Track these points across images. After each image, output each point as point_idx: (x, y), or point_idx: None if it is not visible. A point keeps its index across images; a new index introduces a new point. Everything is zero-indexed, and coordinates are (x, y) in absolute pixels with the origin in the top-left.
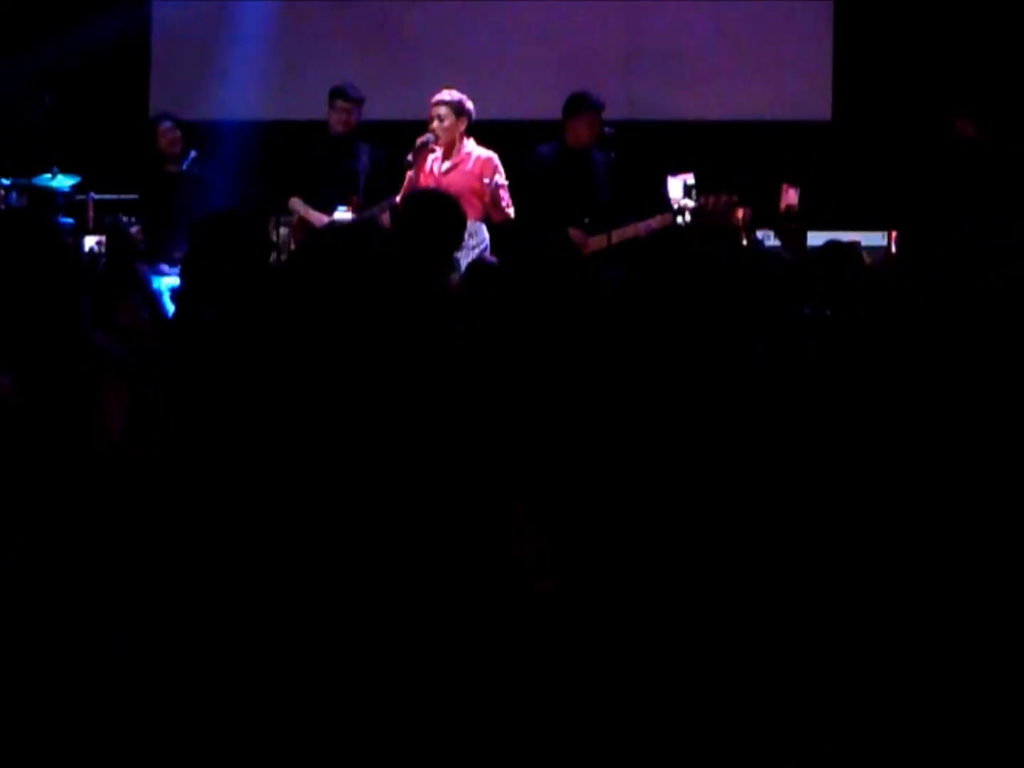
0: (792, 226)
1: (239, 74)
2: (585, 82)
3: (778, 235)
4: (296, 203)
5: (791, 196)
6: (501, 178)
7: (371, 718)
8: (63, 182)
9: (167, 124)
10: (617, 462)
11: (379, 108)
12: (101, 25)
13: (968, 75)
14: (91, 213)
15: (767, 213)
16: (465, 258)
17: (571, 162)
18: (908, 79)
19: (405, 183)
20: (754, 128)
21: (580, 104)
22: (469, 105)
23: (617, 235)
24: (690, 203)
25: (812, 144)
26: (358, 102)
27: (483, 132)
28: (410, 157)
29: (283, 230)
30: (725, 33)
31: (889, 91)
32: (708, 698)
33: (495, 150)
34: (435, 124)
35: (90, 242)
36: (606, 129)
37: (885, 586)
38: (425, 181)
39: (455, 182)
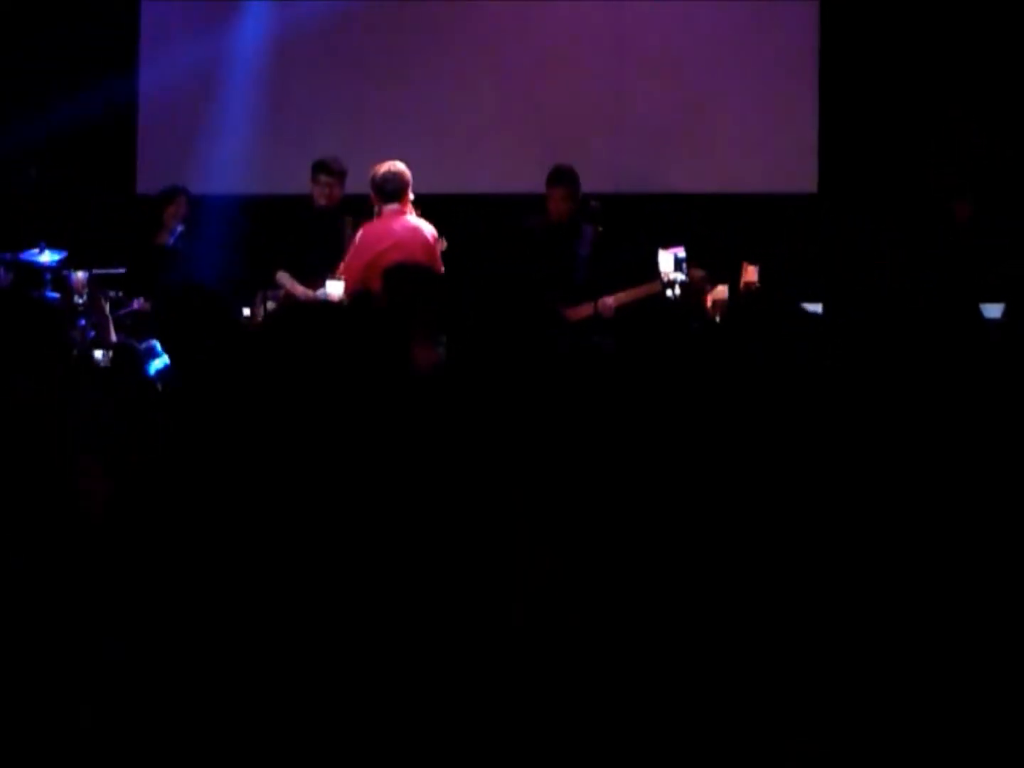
0: (753, 303)
1: (226, 149)
2: (571, 155)
3: None
4: (283, 277)
5: (751, 273)
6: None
7: (366, 721)
8: (50, 257)
9: (183, 197)
10: (617, 466)
11: (364, 181)
12: (88, 99)
13: (957, 149)
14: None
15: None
16: None
17: (556, 235)
18: (895, 152)
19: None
20: (740, 201)
21: (550, 178)
22: (381, 177)
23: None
24: (680, 276)
25: (797, 216)
26: (341, 175)
27: (469, 206)
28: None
29: (271, 304)
30: (711, 106)
31: (875, 164)
32: (708, 698)
33: (481, 223)
34: None
35: (98, 354)
36: (592, 203)
37: (885, 586)
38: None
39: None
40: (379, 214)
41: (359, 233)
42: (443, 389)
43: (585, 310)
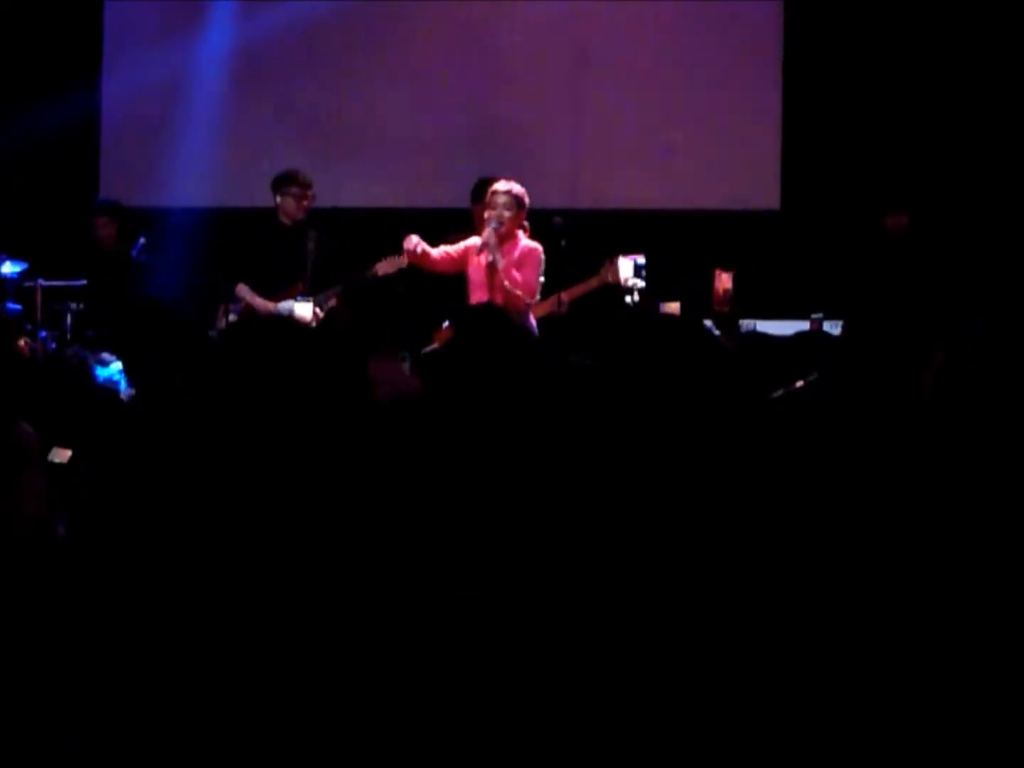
0: (726, 311)
1: (188, 161)
2: (532, 170)
3: (712, 320)
4: (243, 290)
5: (725, 280)
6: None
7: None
8: (11, 268)
9: (103, 218)
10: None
11: (326, 195)
12: (51, 110)
13: (915, 165)
14: (39, 299)
15: (704, 301)
16: None
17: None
18: (857, 169)
19: (448, 256)
20: (702, 217)
21: (479, 190)
22: (527, 199)
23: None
24: (639, 283)
25: (759, 233)
26: (309, 187)
27: (431, 219)
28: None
29: (232, 316)
30: (673, 122)
31: (837, 181)
32: (707, 700)
33: (439, 237)
34: (498, 212)
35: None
36: (555, 219)
37: (885, 590)
38: (474, 271)
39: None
40: (518, 231)
41: (536, 251)
42: (414, 409)
43: (542, 308)
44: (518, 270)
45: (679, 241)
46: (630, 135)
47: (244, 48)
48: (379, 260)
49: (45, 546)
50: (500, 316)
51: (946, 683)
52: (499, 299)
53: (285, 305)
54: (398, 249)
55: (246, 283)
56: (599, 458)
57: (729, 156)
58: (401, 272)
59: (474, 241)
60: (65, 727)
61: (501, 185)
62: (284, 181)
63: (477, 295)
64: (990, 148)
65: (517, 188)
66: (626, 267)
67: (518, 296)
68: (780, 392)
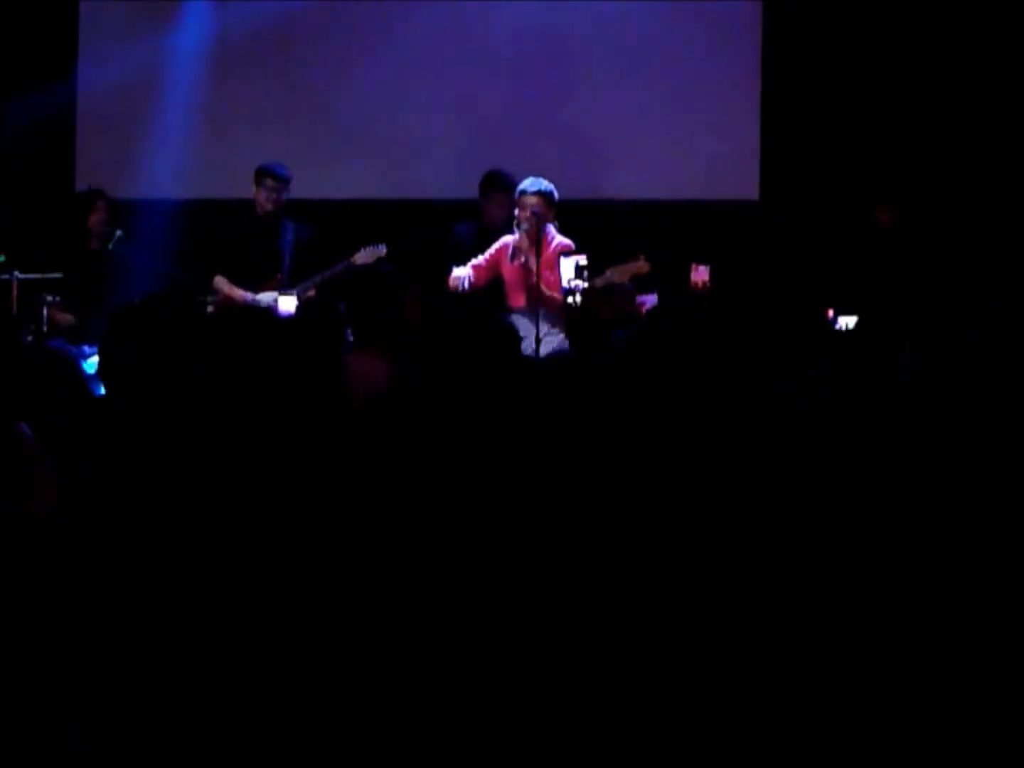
0: (704, 304)
1: (165, 152)
2: (511, 161)
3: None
4: (221, 282)
5: (702, 273)
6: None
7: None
8: None
9: (102, 202)
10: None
11: (303, 187)
12: (26, 102)
13: (894, 158)
14: (15, 292)
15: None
16: (546, 347)
17: (488, 241)
18: (836, 160)
19: (481, 268)
20: (681, 208)
21: (490, 184)
22: (556, 193)
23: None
24: (582, 284)
25: (739, 224)
26: (286, 181)
27: (411, 212)
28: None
29: (209, 309)
30: (652, 113)
31: (816, 172)
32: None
33: (417, 230)
34: (527, 213)
35: None
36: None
37: (885, 589)
38: (508, 274)
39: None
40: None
41: (568, 248)
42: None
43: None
44: (551, 270)
45: (658, 232)
46: (610, 127)
47: (220, 40)
48: (357, 251)
49: (53, 544)
50: (487, 314)
51: (942, 676)
52: (533, 299)
53: (266, 297)
54: (377, 240)
55: (223, 275)
56: (589, 456)
57: (708, 147)
58: (380, 263)
59: (503, 242)
60: (66, 727)
61: (529, 185)
62: (261, 172)
63: (514, 296)
64: (973, 141)
65: (545, 185)
66: (568, 268)
67: (552, 297)
68: (778, 386)
